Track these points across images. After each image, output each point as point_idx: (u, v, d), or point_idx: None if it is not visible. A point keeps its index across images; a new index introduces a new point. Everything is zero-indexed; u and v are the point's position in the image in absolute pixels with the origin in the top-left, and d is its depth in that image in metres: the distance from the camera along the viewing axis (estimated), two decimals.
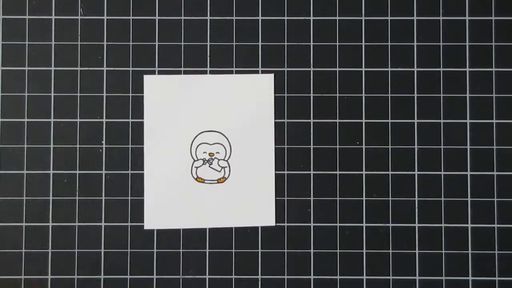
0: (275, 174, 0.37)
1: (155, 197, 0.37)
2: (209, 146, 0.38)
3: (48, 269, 0.37)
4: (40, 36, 0.38)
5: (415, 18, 0.38)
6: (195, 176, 0.37)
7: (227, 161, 0.37)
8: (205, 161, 0.37)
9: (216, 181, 0.37)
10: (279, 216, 0.37)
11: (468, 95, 0.38)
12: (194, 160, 0.37)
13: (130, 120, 0.38)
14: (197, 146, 0.38)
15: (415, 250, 0.37)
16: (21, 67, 0.38)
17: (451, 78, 0.38)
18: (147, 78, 0.38)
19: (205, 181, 0.37)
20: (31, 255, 0.37)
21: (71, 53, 0.38)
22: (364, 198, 0.37)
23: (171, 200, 0.37)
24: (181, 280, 0.37)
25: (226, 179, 0.37)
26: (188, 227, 0.37)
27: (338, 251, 0.37)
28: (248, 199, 0.37)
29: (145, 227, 0.37)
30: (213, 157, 0.37)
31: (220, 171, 0.37)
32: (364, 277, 0.37)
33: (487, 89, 0.38)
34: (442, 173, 0.38)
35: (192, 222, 0.37)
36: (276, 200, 0.37)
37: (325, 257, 0.37)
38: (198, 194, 0.37)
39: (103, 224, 0.37)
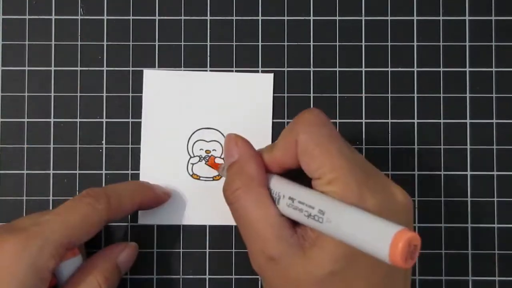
0: None
1: None
2: (206, 143, 0.38)
3: None
4: (40, 36, 0.38)
5: (415, 18, 0.38)
6: (191, 173, 0.37)
7: (223, 158, 0.37)
8: (201, 158, 0.37)
9: (211, 179, 0.37)
10: None
11: (468, 95, 0.38)
12: (191, 157, 0.37)
13: (130, 120, 0.38)
14: (194, 143, 0.38)
15: None
16: (21, 67, 0.38)
17: (451, 78, 0.38)
18: (147, 72, 0.38)
19: (201, 178, 0.37)
20: None
21: (71, 53, 0.38)
22: None
23: None
24: (181, 280, 0.37)
25: (221, 176, 0.37)
26: (182, 223, 0.37)
27: None
28: None
29: (139, 222, 0.37)
30: (209, 154, 0.37)
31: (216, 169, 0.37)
32: None
33: (487, 89, 0.38)
34: (442, 173, 0.38)
35: (186, 218, 0.37)
36: None
37: None
38: (193, 190, 0.37)
39: None
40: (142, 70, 0.38)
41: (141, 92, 0.38)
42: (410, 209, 0.28)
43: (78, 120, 0.38)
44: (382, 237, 0.23)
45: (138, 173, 0.37)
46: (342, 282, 0.26)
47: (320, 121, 0.29)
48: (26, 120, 0.38)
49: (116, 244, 0.34)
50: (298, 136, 0.28)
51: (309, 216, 0.26)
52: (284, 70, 0.38)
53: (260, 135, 0.37)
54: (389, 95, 0.38)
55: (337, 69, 0.38)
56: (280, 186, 0.29)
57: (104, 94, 0.38)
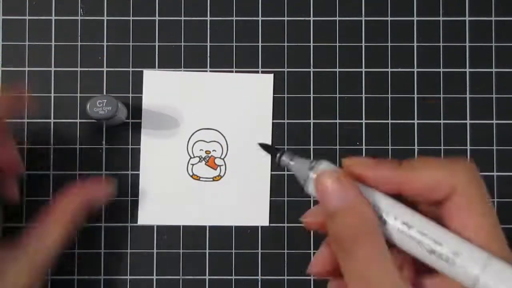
0: (273, 174, 0.37)
1: (150, 192, 0.37)
2: (206, 143, 0.38)
3: (48, 269, 0.37)
4: (40, 36, 0.38)
5: (415, 18, 0.38)
6: (191, 173, 0.37)
7: (223, 159, 0.37)
8: (201, 159, 0.37)
9: (211, 179, 0.37)
10: (279, 217, 0.37)
11: (468, 95, 0.38)
12: (191, 157, 0.37)
13: (130, 120, 0.38)
14: (194, 143, 0.38)
15: None
16: (21, 67, 0.38)
17: (451, 78, 0.38)
18: (147, 73, 0.38)
19: (201, 179, 0.37)
20: None
21: (71, 53, 0.38)
22: None
23: (166, 196, 0.37)
24: (181, 280, 0.37)
25: (221, 177, 0.37)
26: (182, 223, 0.37)
27: None
28: (242, 198, 0.37)
29: (139, 222, 0.37)
30: (209, 155, 0.37)
31: (216, 169, 0.37)
32: None
33: (487, 89, 0.38)
34: None
35: (186, 219, 0.37)
36: (276, 200, 0.37)
37: None
38: (193, 191, 0.37)
39: (103, 224, 0.37)
40: (142, 71, 0.38)
41: (141, 92, 0.38)
42: None
43: (78, 120, 0.38)
44: None
45: (138, 173, 0.37)
46: None
47: (480, 180, 0.25)
48: (26, 120, 0.38)
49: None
50: (462, 185, 0.24)
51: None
52: (284, 71, 0.38)
53: (260, 135, 0.38)
54: (389, 95, 0.38)
55: (337, 69, 0.38)
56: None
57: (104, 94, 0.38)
